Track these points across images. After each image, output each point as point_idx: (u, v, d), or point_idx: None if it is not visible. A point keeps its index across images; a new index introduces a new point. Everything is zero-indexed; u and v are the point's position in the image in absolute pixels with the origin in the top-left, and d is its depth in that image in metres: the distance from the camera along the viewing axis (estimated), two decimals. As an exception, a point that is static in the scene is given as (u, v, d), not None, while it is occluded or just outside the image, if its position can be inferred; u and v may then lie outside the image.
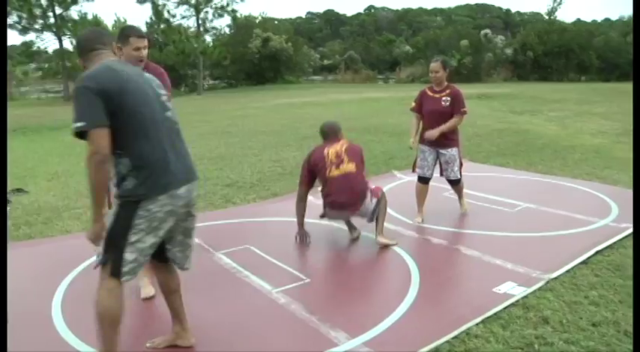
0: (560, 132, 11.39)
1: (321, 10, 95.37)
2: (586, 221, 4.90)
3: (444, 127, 4.82)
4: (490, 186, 6.20)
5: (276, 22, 47.70)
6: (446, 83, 4.96)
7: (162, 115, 2.50)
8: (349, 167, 4.28)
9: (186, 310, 3.26)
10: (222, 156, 8.74)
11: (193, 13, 30.45)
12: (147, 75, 2.60)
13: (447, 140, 4.96)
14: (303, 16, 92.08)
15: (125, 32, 3.32)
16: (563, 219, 5.01)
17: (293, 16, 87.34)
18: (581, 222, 4.88)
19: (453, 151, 5.00)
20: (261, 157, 8.59)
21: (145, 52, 3.30)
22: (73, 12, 28.33)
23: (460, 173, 5.11)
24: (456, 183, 5.16)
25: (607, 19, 57.00)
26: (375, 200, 4.41)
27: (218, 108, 19.48)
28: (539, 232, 4.64)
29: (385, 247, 4.35)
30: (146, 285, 3.48)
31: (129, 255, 2.38)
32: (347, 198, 4.30)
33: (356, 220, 4.67)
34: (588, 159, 8.16)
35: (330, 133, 4.54)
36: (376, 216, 4.43)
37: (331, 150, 4.35)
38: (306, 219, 5.11)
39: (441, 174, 5.14)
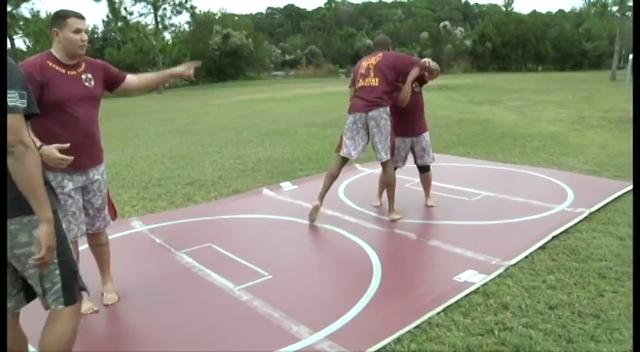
0: (518, 121, 11.63)
1: (281, 5, 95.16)
2: (543, 207, 5.00)
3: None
4: (450, 176, 6.27)
5: (236, 18, 47.35)
6: None
7: None
8: (373, 81, 4.68)
9: (148, 310, 3.21)
10: (183, 155, 8.61)
11: (151, 10, 29.92)
12: None
13: (419, 126, 5.05)
14: (264, 12, 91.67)
15: (60, 14, 2.87)
16: (522, 206, 5.11)
17: (253, 12, 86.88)
18: (539, 208, 4.98)
19: (427, 137, 5.10)
20: (223, 154, 8.50)
21: (86, 36, 2.94)
22: (25, 9, 27.41)
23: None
24: (426, 170, 5.20)
25: (561, 11, 58.36)
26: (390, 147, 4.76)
27: (178, 106, 19.21)
28: (499, 220, 4.72)
29: (346, 240, 4.36)
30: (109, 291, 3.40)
31: None
32: (360, 101, 4.71)
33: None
34: (545, 147, 8.35)
35: (376, 45, 5.05)
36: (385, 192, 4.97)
37: (365, 63, 4.80)
38: (268, 215, 5.10)
39: (416, 162, 5.19)
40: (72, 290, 2.11)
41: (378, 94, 4.63)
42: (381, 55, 4.75)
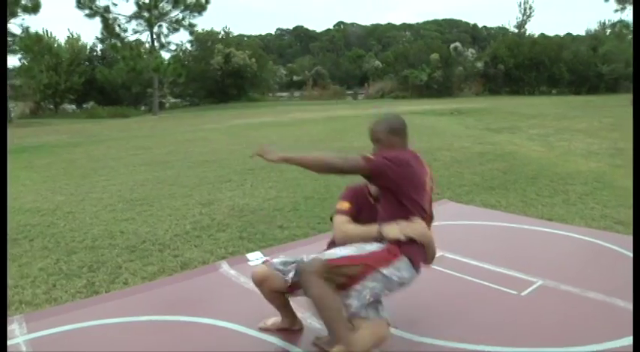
0: (548, 155, 9.97)
1: (290, 27, 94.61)
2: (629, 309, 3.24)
3: None
4: (482, 247, 4.51)
5: (245, 39, 46.48)
6: None
7: None
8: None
9: None
10: (142, 198, 6.95)
11: (146, 28, 28.47)
12: None
13: None
14: (273, 33, 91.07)
15: None
16: (602, 309, 3.32)
17: (263, 33, 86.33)
18: (628, 311, 3.22)
19: None
20: (190, 199, 6.81)
21: None
22: (14, 26, 25.88)
23: None
24: None
25: (569, 34, 56.29)
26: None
27: (166, 130, 17.66)
28: (572, 344, 2.97)
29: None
30: None
31: None
32: None
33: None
34: (594, 193, 6.67)
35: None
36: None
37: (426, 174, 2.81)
38: (202, 319, 3.35)
39: None
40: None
41: None
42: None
